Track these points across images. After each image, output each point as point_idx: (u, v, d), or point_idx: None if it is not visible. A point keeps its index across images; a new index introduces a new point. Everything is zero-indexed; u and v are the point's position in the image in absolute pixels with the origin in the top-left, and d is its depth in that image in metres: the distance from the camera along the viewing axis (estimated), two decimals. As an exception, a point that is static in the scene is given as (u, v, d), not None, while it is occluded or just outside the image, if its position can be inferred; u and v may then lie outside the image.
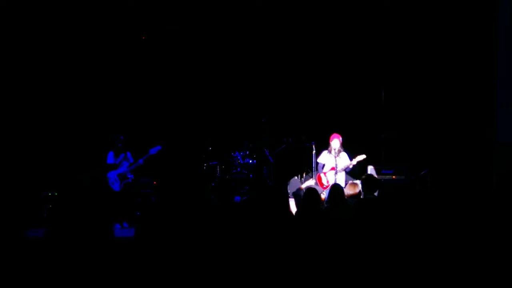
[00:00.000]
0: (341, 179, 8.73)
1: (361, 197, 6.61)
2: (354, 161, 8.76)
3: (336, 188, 6.19)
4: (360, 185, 6.65)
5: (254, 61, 11.01)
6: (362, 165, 9.15)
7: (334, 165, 8.77)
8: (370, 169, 9.49)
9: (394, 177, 9.50)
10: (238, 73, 11.10)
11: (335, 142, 8.79)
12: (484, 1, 9.74)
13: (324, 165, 8.93)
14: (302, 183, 10.42)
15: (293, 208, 9.21)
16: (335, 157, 8.75)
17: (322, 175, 8.91)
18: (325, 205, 6.32)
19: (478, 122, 9.80)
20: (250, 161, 10.26)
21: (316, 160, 9.14)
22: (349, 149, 9.02)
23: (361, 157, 8.74)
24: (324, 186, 8.78)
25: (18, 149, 9.88)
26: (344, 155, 8.85)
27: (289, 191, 10.46)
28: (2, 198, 8.19)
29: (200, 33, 10.82)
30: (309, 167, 10.00)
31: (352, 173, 9.42)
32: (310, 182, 9.11)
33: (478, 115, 9.81)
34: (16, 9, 9.82)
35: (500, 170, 9.25)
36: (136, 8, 10.35)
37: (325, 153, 8.94)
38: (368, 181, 6.28)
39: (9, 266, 3.92)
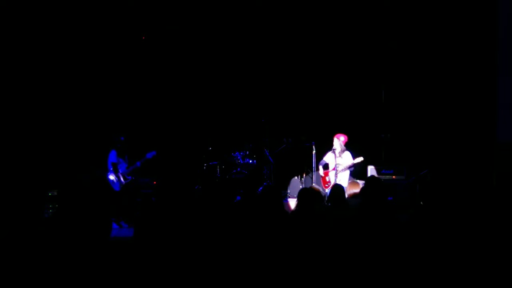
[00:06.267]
0: (344, 178, 8.76)
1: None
2: (352, 163, 8.82)
3: (337, 188, 6.18)
4: (361, 185, 6.62)
5: (254, 61, 11.01)
6: (362, 165, 9.17)
7: (335, 165, 8.84)
8: (370, 169, 9.49)
9: (394, 177, 9.51)
10: (238, 73, 11.10)
11: (334, 142, 8.87)
12: (484, 1, 9.75)
13: (325, 163, 9.00)
14: (302, 183, 10.43)
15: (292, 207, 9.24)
16: (336, 157, 8.80)
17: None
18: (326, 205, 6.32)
19: (478, 122, 9.81)
20: (250, 161, 10.26)
21: (316, 160, 9.17)
22: (349, 149, 9.03)
23: (359, 159, 8.82)
24: (326, 185, 8.84)
25: (19, 150, 9.87)
26: (346, 155, 8.87)
27: (289, 191, 10.49)
28: (6, 198, 8.18)
29: (200, 33, 10.82)
30: (309, 167, 10.01)
31: (351, 173, 9.42)
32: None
33: (478, 115, 9.81)
34: (16, 9, 9.82)
35: (500, 170, 9.25)
36: (136, 8, 10.35)
37: (329, 153, 9.01)
38: (371, 183, 6.21)
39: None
